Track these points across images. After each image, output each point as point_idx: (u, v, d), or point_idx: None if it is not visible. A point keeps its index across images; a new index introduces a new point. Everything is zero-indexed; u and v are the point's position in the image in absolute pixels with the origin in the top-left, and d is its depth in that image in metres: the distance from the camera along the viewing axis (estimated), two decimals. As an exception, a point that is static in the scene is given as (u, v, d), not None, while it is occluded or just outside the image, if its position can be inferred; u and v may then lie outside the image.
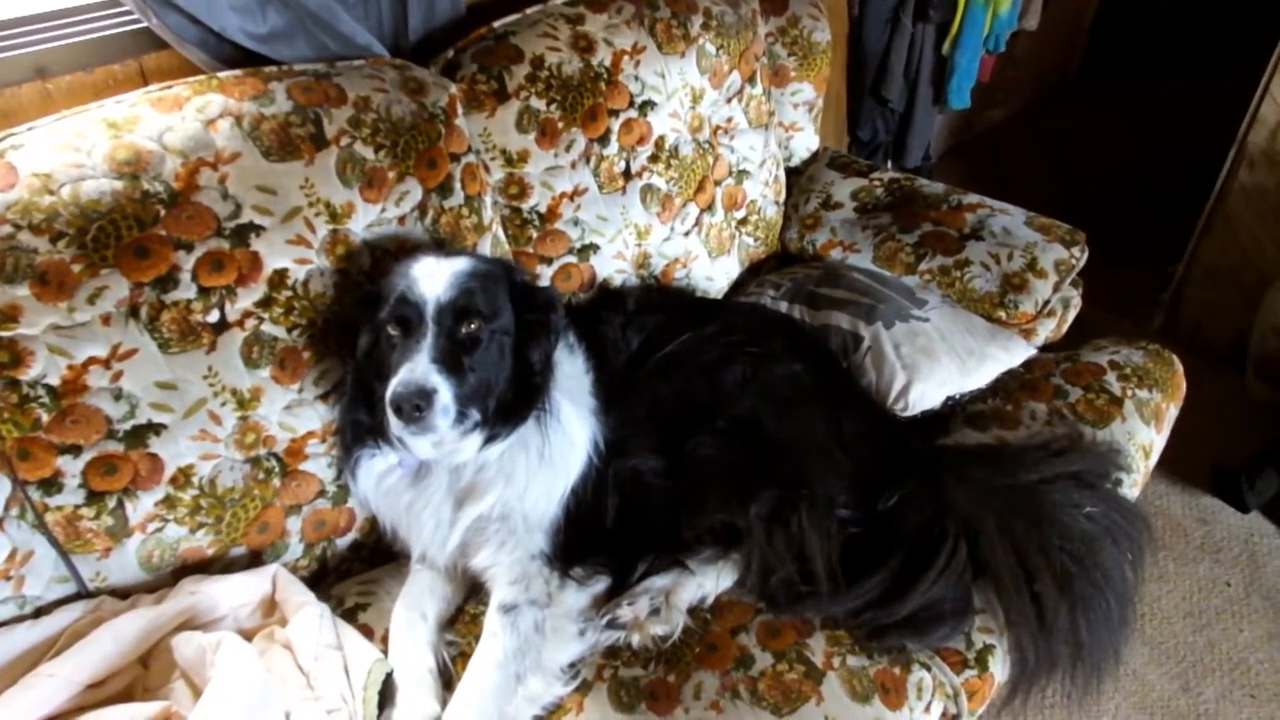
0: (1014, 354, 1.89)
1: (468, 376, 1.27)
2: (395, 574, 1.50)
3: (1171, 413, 1.89)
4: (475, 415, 1.30)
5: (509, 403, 1.35)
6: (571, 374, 1.49)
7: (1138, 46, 4.96)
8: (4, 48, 1.45)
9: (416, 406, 1.20)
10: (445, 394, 1.22)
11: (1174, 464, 2.48)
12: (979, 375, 1.83)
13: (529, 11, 1.80)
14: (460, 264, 1.34)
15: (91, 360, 1.25)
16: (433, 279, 1.31)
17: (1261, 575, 2.32)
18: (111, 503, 1.30)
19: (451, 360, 1.26)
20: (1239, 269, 2.90)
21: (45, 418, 1.24)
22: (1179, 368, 1.93)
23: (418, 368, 1.23)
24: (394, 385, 1.21)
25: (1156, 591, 2.27)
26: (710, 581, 1.42)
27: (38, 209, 1.20)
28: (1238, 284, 2.90)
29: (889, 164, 3.43)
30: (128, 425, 1.29)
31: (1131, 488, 1.69)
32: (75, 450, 1.27)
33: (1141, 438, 1.75)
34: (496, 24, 1.76)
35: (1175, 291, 3.14)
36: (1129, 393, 1.79)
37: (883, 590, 1.36)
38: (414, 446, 1.34)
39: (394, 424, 1.23)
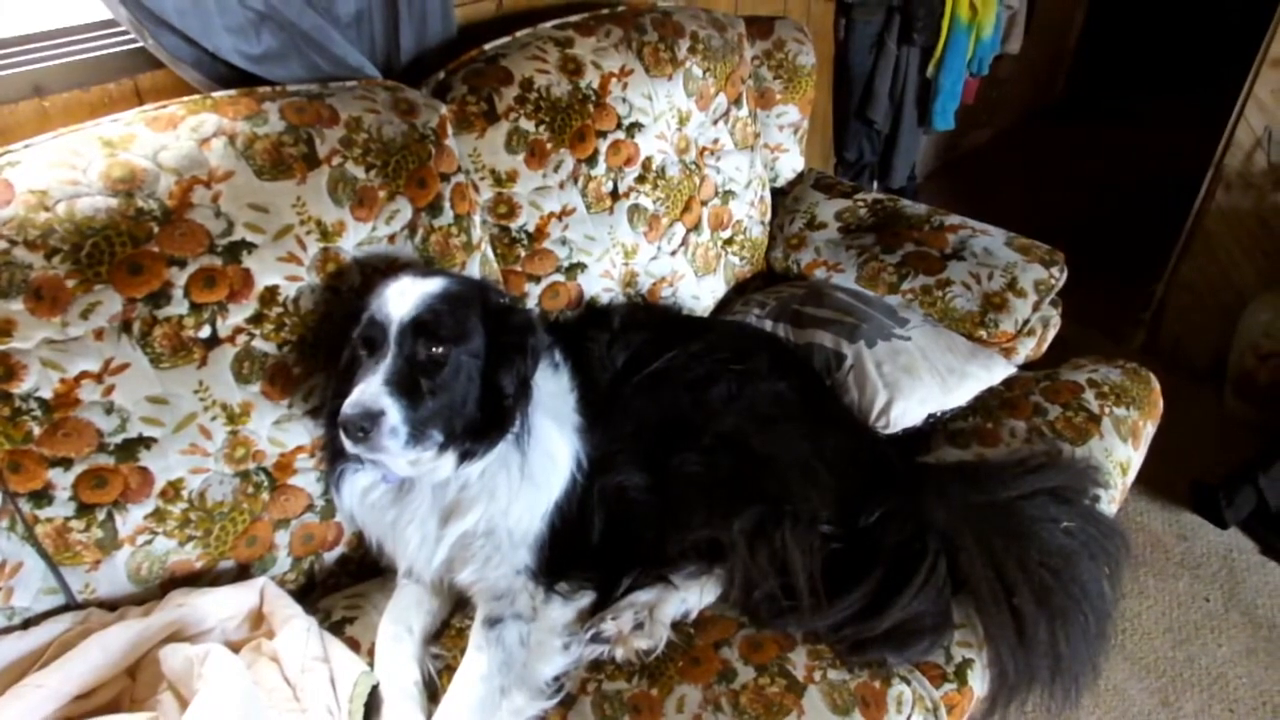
0: (994, 372, 1.92)
1: (424, 400, 1.28)
2: (382, 588, 1.51)
3: (1149, 430, 1.92)
4: (436, 436, 1.31)
5: (478, 424, 1.36)
6: (555, 392, 1.51)
7: (1119, 71, 5.05)
8: (2, 66, 1.48)
9: (361, 428, 1.21)
10: (394, 416, 1.23)
11: (1154, 480, 2.52)
12: (960, 393, 1.86)
13: (519, 34, 1.83)
14: (432, 285, 1.35)
15: (84, 374, 1.27)
16: (401, 300, 1.32)
17: (1240, 591, 2.35)
18: (101, 515, 1.32)
19: (407, 383, 1.27)
20: (1218, 288, 2.95)
21: (37, 430, 1.25)
22: (1156, 386, 1.96)
23: (369, 389, 1.24)
24: (344, 405, 1.23)
25: (1137, 607, 2.30)
26: (694, 596, 1.44)
27: (33, 225, 1.22)
28: (1216, 303, 2.96)
29: (875, 184, 3.48)
30: (118, 439, 1.31)
31: (1109, 504, 1.71)
32: (66, 463, 1.28)
33: (1119, 454, 1.78)
34: (487, 46, 1.79)
35: (1156, 310, 3.19)
36: (1107, 410, 1.82)
37: (863, 605, 1.38)
38: (388, 463, 1.35)
39: (345, 442, 1.25)
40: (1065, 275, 2.10)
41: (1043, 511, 1.50)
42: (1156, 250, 3.18)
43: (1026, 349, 2.07)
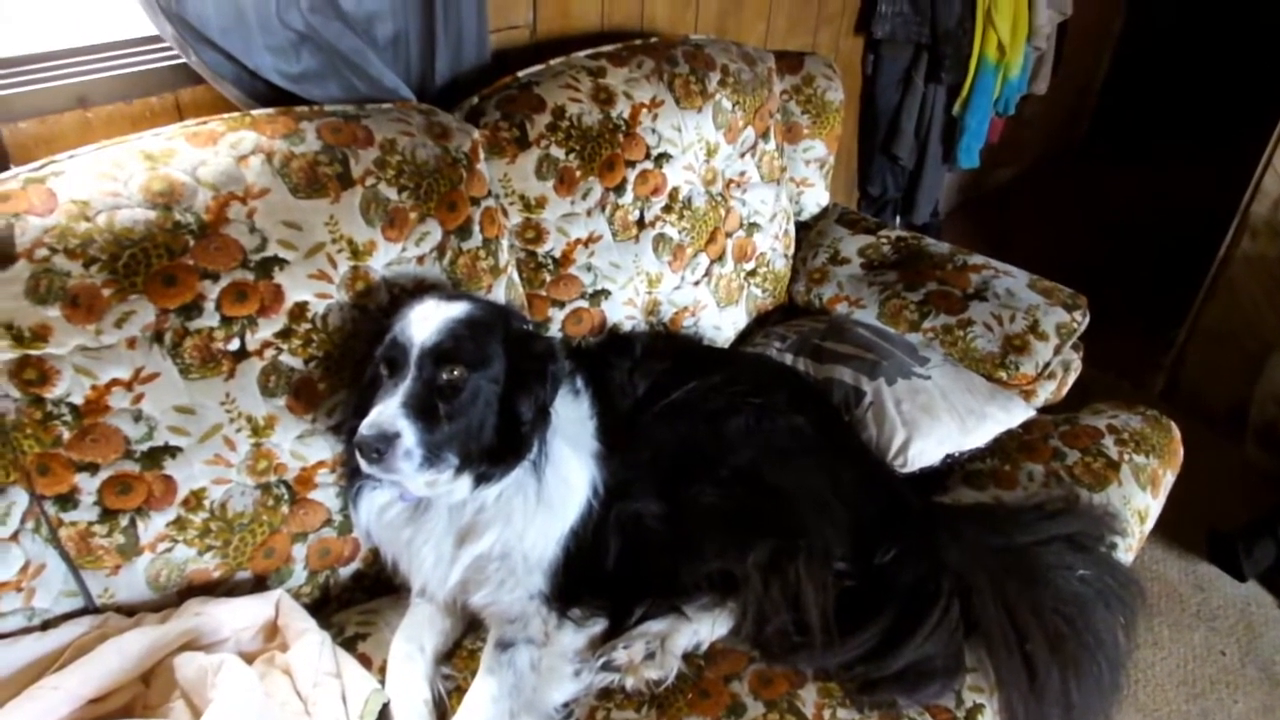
0: (1013, 415, 1.92)
1: (441, 423, 1.29)
2: (395, 605, 1.52)
3: (1168, 479, 1.91)
4: (451, 459, 1.32)
5: (495, 449, 1.36)
6: (575, 419, 1.51)
7: (1145, 113, 5.05)
8: (49, 77, 1.52)
9: (376, 449, 1.22)
10: (409, 439, 1.24)
11: (1172, 529, 2.49)
12: (978, 434, 1.86)
13: (553, 62, 1.86)
14: (455, 310, 1.36)
15: (114, 382, 1.29)
16: (424, 323, 1.33)
17: (1258, 646, 2.32)
18: (124, 521, 1.33)
19: (424, 406, 1.28)
20: (1240, 336, 2.93)
21: (66, 435, 1.27)
22: (1176, 434, 1.95)
23: (386, 411, 1.25)
24: (361, 426, 1.25)
25: (1151, 658, 2.27)
26: (706, 628, 1.44)
27: (74, 234, 1.25)
28: (1239, 351, 2.93)
29: (898, 219, 3.49)
30: (145, 446, 1.33)
31: (1126, 552, 1.70)
32: (93, 468, 1.30)
33: (1137, 502, 1.77)
34: (521, 73, 1.82)
35: (1177, 356, 3.17)
36: (1126, 457, 1.81)
37: (875, 644, 1.37)
38: (404, 483, 1.36)
39: (360, 461, 1.26)
40: (1088, 319, 2.09)
41: (1058, 558, 1.49)
42: (1178, 295, 3.16)
43: (1046, 392, 2.07)
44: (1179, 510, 2.12)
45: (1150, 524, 1.85)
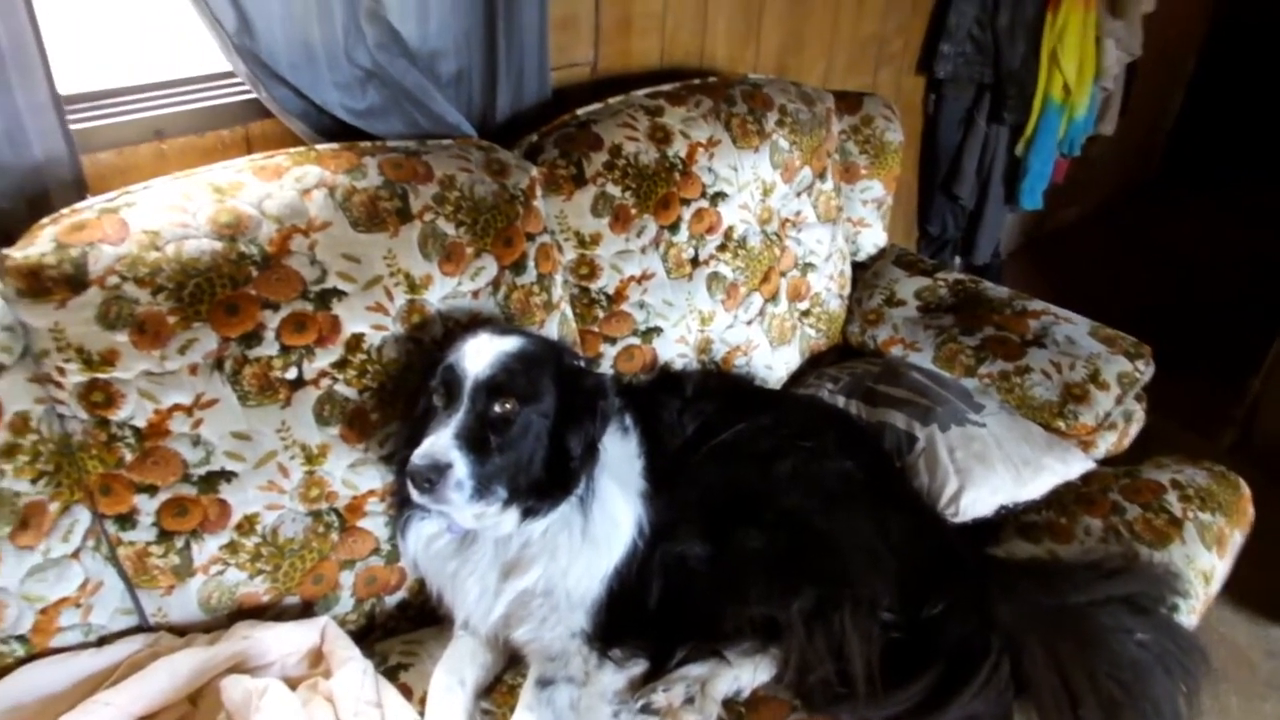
0: (1071, 466, 1.86)
1: (492, 456, 1.30)
2: (438, 637, 1.53)
3: (1236, 538, 1.83)
4: (501, 492, 1.33)
5: (544, 483, 1.37)
6: (623, 456, 1.51)
7: (1217, 154, 4.91)
8: (127, 110, 1.58)
9: (428, 479, 1.24)
10: (461, 469, 1.26)
11: (1242, 591, 2.37)
12: (1034, 486, 1.81)
13: (612, 101, 1.89)
14: (508, 344, 1.38)
15: (176, 407, 1.33)
16: (478, 356, 1.35)
17: (1333, 718, 2.20)
18: (180, 543, 1.37)
19: (476, 438, 1.29)
20: (1318, 389, 2.82)
21: (129, 457, 1.31)
22: (1246, 492, 1.87)
23: (439, 441, 1.27)
24: (413, 456, 1.26)
25: (1216, 725, 2.17)
26: (747, 674, 1.42)
27: (143, 263, 1.29)
28: (1317, 405, 2.82)
29: (957, 260, 3.44)
30: (202, 470, 1.36)
31: (1189, 615, 1.63)
32: (152, 490, 1.34)
33: (1202, 563, 1.70)
34: (580, 111, 1.85)
35: (1250, 407, 3.05)
36: (1190, 514, 1.74)
37: (921, 699, 1.33)
38: (453, 514, 1.37)
39: (411, 491, 1.28)
40: (1151, 370, 2.03)
41: (1116, 620, 1.43)
42: (1252, 343, 3.05)
43: (1107, 443, 2.01)
44: (1251, 571, 2.03)
45: (1216, 585, 1.77)
